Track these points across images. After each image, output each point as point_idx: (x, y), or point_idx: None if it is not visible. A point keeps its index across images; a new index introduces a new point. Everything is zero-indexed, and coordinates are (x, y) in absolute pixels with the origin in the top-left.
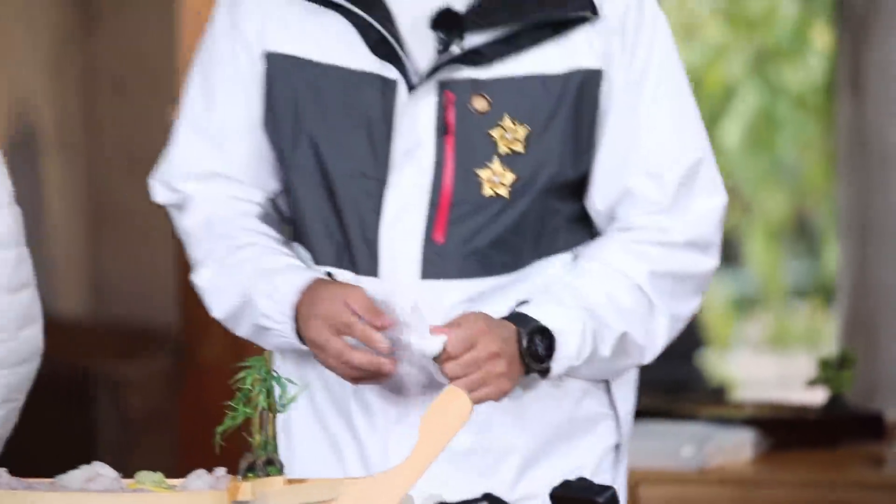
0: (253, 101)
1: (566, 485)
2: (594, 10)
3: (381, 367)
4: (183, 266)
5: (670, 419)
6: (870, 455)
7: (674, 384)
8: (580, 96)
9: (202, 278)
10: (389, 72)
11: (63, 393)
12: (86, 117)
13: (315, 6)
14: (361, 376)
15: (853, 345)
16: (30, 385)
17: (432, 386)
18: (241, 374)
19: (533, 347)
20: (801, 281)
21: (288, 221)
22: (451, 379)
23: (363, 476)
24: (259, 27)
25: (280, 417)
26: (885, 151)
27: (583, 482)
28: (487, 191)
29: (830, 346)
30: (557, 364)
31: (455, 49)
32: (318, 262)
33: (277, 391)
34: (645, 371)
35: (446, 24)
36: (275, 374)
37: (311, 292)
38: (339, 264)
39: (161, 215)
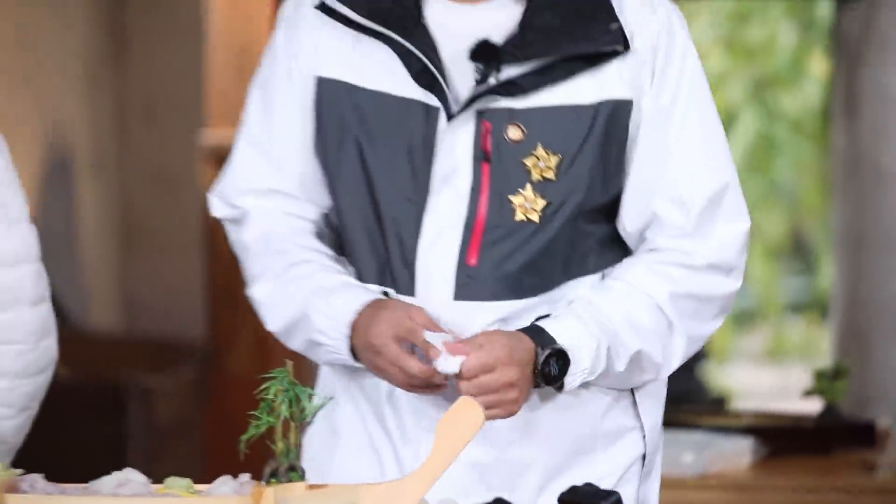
0: (307, 121)
1: (573, 490)
2: (626, 45)
3: (434, 377)
4: (210, 282)
5: (673, 428)
6: (862, 461)
7: (676, 395)
8: (610, 125)
9: (260, 293)
10: (431, 100)
11: (96, 403)
12: (118, 141)
13: (361, 34)
14: (415, 384)
15: (847, 357)
16: (44, 394)
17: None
18: (265, 385)
19: (546, 369)
20: (798, 296)
21: (337, 235)
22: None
23: (381, 482)
24: (311, 51)
25: (325, 422)
26: (878, 173)
27: (589, 487)
28: (519, 216)
29: (825, 358)
30: (571, 378)
31: (492, 80)
32: (361, 278)
33: (308, 401)
34: None
35: (485, 55)
36: (296, 385)
37: (372, 307)
38: (382, 282)
39: (188, 234)
